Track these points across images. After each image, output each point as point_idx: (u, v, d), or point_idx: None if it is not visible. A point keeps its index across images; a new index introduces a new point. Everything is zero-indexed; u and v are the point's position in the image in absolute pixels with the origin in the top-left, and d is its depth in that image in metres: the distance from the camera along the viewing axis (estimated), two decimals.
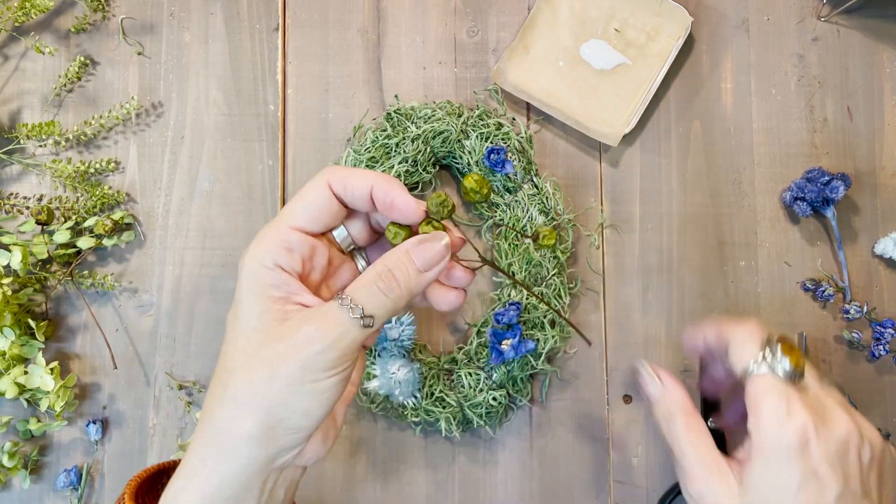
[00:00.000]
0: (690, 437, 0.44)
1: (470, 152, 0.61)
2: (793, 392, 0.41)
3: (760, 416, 0.41)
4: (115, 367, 0.63)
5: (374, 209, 0.39)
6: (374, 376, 0.59)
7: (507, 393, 0.61)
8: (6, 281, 0.59)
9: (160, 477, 0.47)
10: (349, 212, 0.40)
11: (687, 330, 0.50)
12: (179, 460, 0.42)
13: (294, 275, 0.38)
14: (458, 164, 0.63)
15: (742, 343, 0.44)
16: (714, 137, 0.65)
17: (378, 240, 0.43)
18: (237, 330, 0.37)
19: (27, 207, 0.64)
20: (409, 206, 0.38)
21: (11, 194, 0.65)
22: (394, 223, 0.39)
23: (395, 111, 0.63)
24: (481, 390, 0.60)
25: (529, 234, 0.43)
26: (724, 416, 0.50)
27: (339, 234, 0.41)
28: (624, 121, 0.64)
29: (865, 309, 0.62)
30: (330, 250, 0.40)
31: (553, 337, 0.60)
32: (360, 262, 0.42)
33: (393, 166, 0.61)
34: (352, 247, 0.42)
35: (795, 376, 0.42)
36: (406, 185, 0.62)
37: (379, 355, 0.59)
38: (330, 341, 0.36)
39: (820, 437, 0.40)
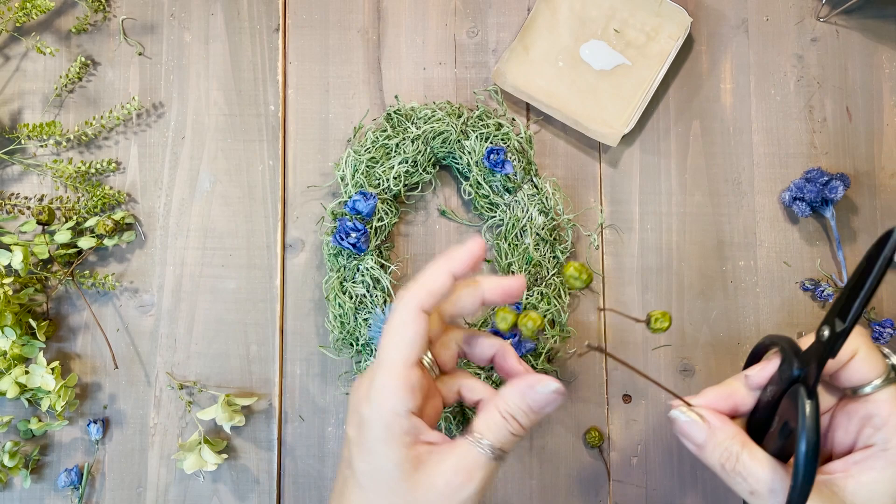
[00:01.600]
0: (765, 471, 0.40)
1: (470, 152, 0.62)
2: None
3: None
4: (116, 367, 0.64)
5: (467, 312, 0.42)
6: None
7: None
8: (7, 281, 0.59)
9: None
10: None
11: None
12: None
13: (418, 415, 0.39)
14: (458, 164, 0.63)
15: (872, 352, 0.41)
16: (713, 138, 0.65)
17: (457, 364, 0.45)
18: (377, 481, 0.38)
19: (28, 207, 0.64)
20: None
21: (12, 194, 0.65)
22: (502, 309, 0.43)
23: (395, 111, 0.63)
24: None
25: (642, 319, 0.43)
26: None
27: (426, 360, 0.43)
28: (623, 121, 0.64)
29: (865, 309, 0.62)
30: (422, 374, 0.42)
31: (553, 337, 0.60)
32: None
33: (393, 166, 0.61)
34: (436, 372, 0.44)
35: None
36: (406, 185, 0.62)
37: None
38: (477, 485, 0.38)
39: None
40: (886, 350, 0.42)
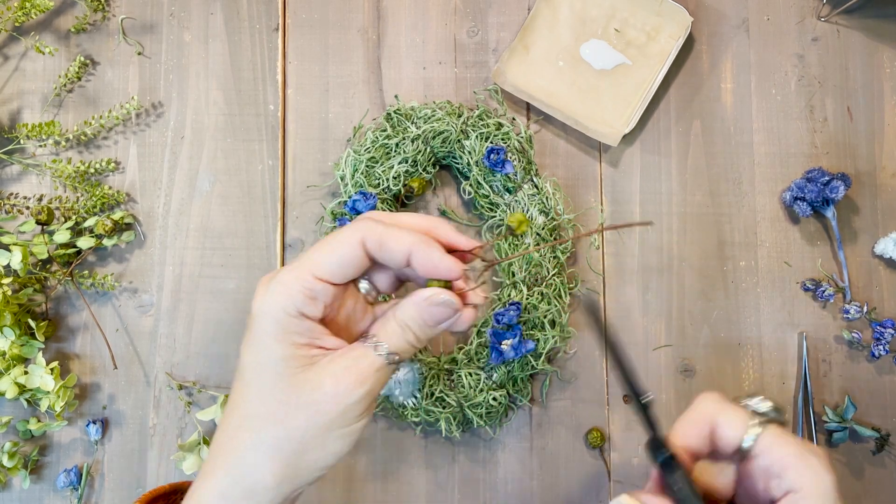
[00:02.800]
0: None
1: (470, 152, 0.61)
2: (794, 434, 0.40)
3: (803, 466, 0.37)
4: (115, 367, 0.63)
5: (406, 266, 0.39)
6: None
7: (508, 393, 0.61)
8: (6, 281, 0.59)
9: (173, 495, 0.47)
10: (375, 264, 0.40)
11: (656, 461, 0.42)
12: (185, 484, 0.43)
13: (316, 321, 0.38)
14: (457, 164, 0.63)
15: (728, 415, 0.40)
16: (714, 137, 0.65)
17: (400, 287, 0.43)
18: (260, 374, 0.38)
19: (27, 207, 0.64)
20: (451, 271, 0.38)
21: (11, 194, 0.65)
22: (433, 280, 0.39)
23: (395, 111, 0.63)
24: (481, 390, 0.60)
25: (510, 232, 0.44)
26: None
27: (363, 285, 0.41)
28: (624, 121, 0.64)
29: (865, 309, 0.62)
30: (350, 295, 0.41)
31: (553, 337, 0.60)
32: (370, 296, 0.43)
33: (393, 166, 0.61)
34: (373, 296, 0.42)
35: (783, 413, 0.40)
36: (406, 185, 0.62)
37: None
38: (368, 388, 0.37)
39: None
40: (744, 400, 0.41)
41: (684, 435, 0.41)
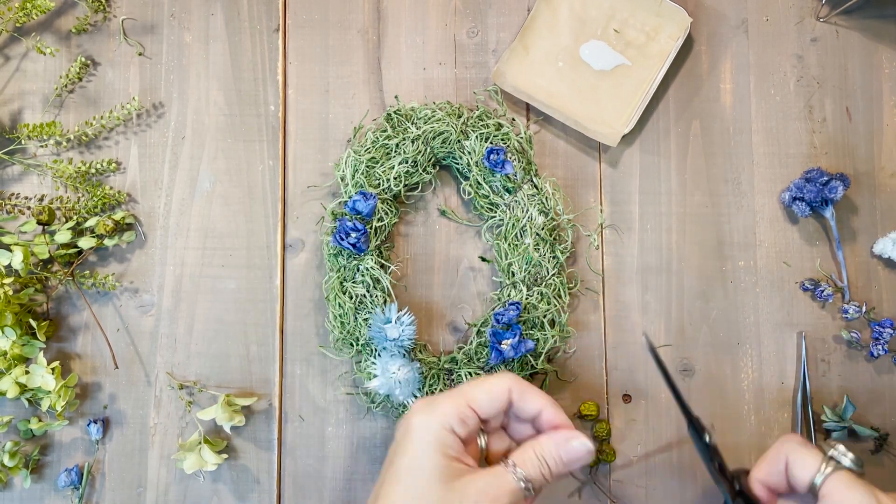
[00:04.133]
0: None
1: (470, 153, 0.62)
2: (868, 483, 0.42)
3: None
4: (116, 367, 0.64)
5: (531, 420, 0.48)
6: (375, 376, 0.59)
7: None
8: (7, 281, 0.59)
9: None
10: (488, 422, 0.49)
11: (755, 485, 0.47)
12: None
13: (461, 439, 0.45)
14: (457, 164, 0.63)
15: (801, 454, 0.44)
16: (713, 138, 0.65)
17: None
18: (418, 477, 0.43)
19: (28, 207, 0.65)
20: (581, 452, 0.46)
21: (13, 194, 0.65)
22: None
23: (395, 112, 0.63)
24: None
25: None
26: None
27: (481, 440, 0.49)
28: (623, 121, 0.64)
29: (864, 309, 0.62)
30: (473, 442, 0.48)
31: (553, 337, 0.60)
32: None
33: (393, 167, 0.61)
34: (482, 451, 0.49)
35: (861, 465, 0.43)
36: (406, 185, 0.62)
37: (379, 355, 0.59)
38: (505, 501, 0.43)
39: None
40: (828, 448, 0.44)
41: (761, 470, 0.46)
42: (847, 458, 0.42)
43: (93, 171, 0.64)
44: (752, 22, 0.66)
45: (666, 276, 0.64)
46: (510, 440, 0.50)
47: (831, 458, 0.43)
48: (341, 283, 0.61)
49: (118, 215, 0.63)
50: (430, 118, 0.62)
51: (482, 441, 0.48)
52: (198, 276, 0.65)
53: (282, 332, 0.64)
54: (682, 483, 0.62)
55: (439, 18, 0.67)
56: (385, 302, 0.60)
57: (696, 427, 0.45)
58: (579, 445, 0.46)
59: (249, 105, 0.66)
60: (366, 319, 0.60)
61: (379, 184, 0.61)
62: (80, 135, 0.65)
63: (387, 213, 0.61)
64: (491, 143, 0.61)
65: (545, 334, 0.60)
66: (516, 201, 0.62)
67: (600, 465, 0.63)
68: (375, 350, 0.60)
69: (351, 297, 0.60)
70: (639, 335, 0.64)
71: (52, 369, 0.61)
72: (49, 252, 0.62)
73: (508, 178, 0.61)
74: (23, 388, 0.60)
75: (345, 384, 0.64)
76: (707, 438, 0.44)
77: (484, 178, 0.62)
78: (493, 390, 0.46)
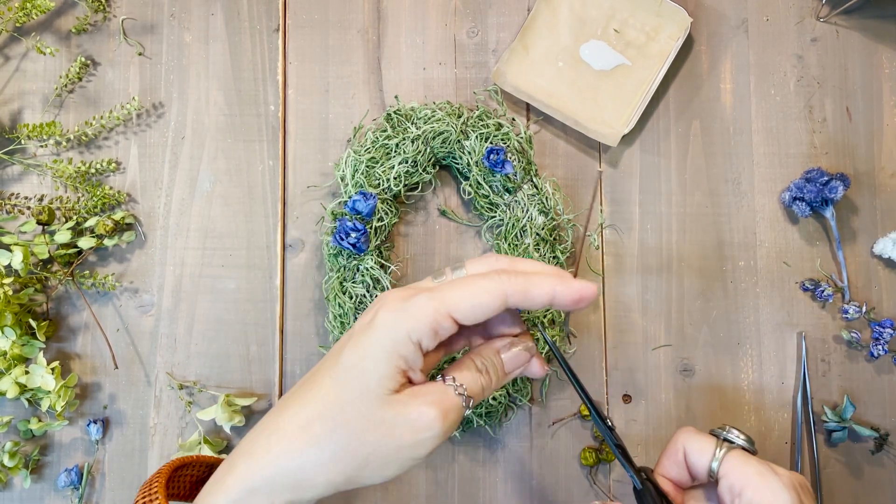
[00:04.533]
0: None
1: (470, 153, 0.62)
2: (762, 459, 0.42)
3: (758, 485, 0.40)
4: (116, 367, 0.64)
5: (544, 306, 0.41)
6: None
7: (507, 393, 0.62)
8: (7, 281, 0.59)
9: (184, 468, 0.47)
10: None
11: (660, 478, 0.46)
12: (212, 458, 0.46)
13: (423, 354, 0.39)
14: (457, 164, 0.63)
15: (695, 441, 0.44)
16: (713, 138, 0.65)
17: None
18: (356, 381, 0.38)
19: (28, 207, 0.64)
20: (591, 290, 0.40)
21: (12, 194, 0.65)
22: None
23: (395, 112, 0.63)
24: None
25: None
26: None
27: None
28: (623, 121, 0.64)
29: (864, 309, 0.62)
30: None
31: (553, 337, 0.60)
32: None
33: (393, 166, 0.61)
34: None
35: (754, 443, 0.43)
36: (406, 185, 0.62)
37: None
38: (445, 427, 0.38)
39: (804, 493, 0.42)
40: (720, 429, 0.44)
41: (662, 465, 0.45)
42: (740, 439, 0.43)
43: (92, 171, 0.64)
44: (752, 22, 0.66)
45: (666, 276, 0.64)
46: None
47: (725, 440, 0.43)
48: (341, 283, 0.61)
49: (118, 215, 0.63)
50: (430, 118, 0.62)
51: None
52: (198, 277, 0.65)
53: (282, 332, 0.64)
54: None
55: (439, 18, 0.67)
56: None
57: (598, 412, 0.44)
58: (519, 350, 0.42)
59: (249, 105, 0.66)
60: None
61: (379, 184, 0.61)
62: (80, 135, 0.65)
63: (387, 213, 0.61)
64: (491, 142, 0.61)
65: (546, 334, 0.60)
66: (516, 201, 0.62)
67: (600, 465, 0.63)
68: None
69: (351, 298, 0.60)
70: (639, 335, 0.64)
71: (52, 369, 0.61)
72: (49, 252, 0.62)
73: (508, 178, 0.61)
74: (23, 389, 0.60)
75: None
76: (609, 423, 0.44)
77: (484, 178, 0.62)
78: (482, 298, 0.38)
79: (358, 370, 0.38)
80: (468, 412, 0.42)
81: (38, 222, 0.62)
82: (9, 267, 0.60)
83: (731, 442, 0.43)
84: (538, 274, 0.40)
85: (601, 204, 0.65)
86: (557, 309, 0.44)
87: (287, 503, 0.38)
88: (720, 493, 0.42)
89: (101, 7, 0.67)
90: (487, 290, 0.38)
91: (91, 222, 0.63)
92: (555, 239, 0.62)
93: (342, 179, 0.62)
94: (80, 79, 0.66)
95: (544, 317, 0.60)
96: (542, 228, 0.61)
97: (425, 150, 0.62)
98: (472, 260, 0.42)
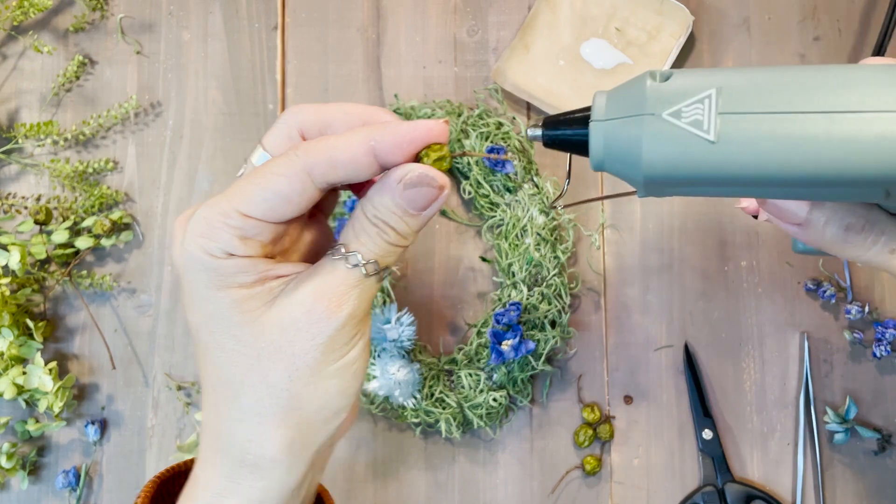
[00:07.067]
0: None
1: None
2: None
3: None
4: (114, 368, 0.63)
5: (373, 173, 0.32)
6: (374, 377, 0.59)
7: (508, 394, 0.61)
8: (4, 281, 0.59)
9: (178, 478, 0.45)
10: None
11: None
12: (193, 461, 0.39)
13: (256, 256, 0.31)
14: (458, 163, 0.63)
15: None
16: None
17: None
18: (213, 331, 0.31)
19: (25, 207, 0.64)
20: (431, 130, 0.32)
21: (9, 194, 0.65)
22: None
23: (394, 110, 0.63)
24: (481, 391, 0.60)
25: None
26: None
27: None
28: None
29: (867, 309, 0.62)
30: (315, 224, 0.35)
31: (553, 338, 0.60)
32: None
33: None
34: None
35: None
36: None
37: (379, 356, 0.59)
38: (350, 309, 0.31)
39: None
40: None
41: None
42: None
43: (90, 170, 0.64)
44: (754, 20, 0.66)
45: (668, 276, 0.64)
46: None
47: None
48: None
49: (116, 215, 0.63)
50: (429, 117, 0.62)
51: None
52: None
53: None
54: (682, 484, 0.62)
55: (439, 17, 0.66)
56: (384, 302, 0.60)
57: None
58: (419, 179, 0.31)
59: (248, 104, 0.66)
60: None
61: None
62: (78, 134, 0.64)
63: None
64: (491, 142, 0.61)
65: (546, 335, 0.60)
66: (517, 201, 0.61)
67: (600, 466, 0.62)
68: (375, 351, 0.60)
69: None
70: (640, 335, 0.63)
71: (50, 370, 0.60)
72: (46, 252, 0.62)
73: (509, 177, 0.61)
74: (20, 389, 0.60)
75: None
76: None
77: (484, 178, 0.62)
78: (274, 185, 0.30)
79: (206, 323, 0.31)
80: (386, 281, 0.33)
81: (36, 222, 0.61)
82: (6, 267, 0.60)
83: None
84: (346, 132, 0.31)
85: (601, 204, 0.65)
86: (390, 166, 0.32)
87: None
88: None
89: (99, 5, 0.66)
90: (281, 173, 0.30)
91: (89, 222, 0.62)
92: (555, 239, 0.62)
93: None
94: (77, 77, 0.66)
95: (545, 317, 0.60)
96: (543, 228, 0.61)
97: None
98: (267, 135, 0.35)
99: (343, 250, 0.31)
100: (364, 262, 0.31)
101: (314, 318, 0.30)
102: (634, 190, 0.34)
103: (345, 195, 0.61)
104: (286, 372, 0.31)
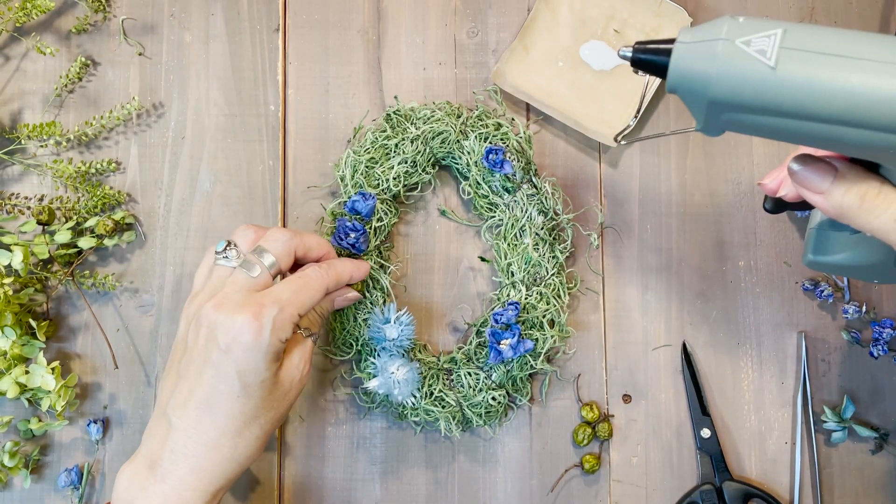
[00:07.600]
0: None
1: (469, 152, 0.62)
2: None
3: None
4: (116, 367, 0.64)
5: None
6: (374, 376, 0.59)
7: (507, 392, 0.62)
8: (7, 281, 0.59)
9: None
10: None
11: None
12: None
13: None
14: (457, 164, 0.63)
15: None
16: (713, 138, 0.65)
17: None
18: (261, 386, 0.50)
19: (28, 207, 0.65)
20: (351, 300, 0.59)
21: (12, 194, 0.65)
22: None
23: (394, 112, 0.63)
24: (481, 390, 0.60)
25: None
26: None
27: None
28: (623, 121, 0.64)
29: (864, 309, 0.62)
30: None
31: (552, 337, 0.60)
32: None
33: (392, 167, 0.61)
34: None
35: None
36: (406, 185, 0.62)
37: (378, 355, 0.59)
38: (310, 365, 0.55)
39: None
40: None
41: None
42: None
43: (93, 171, 0.64)
44: None
45: (666, 276, 0.64)
46: None
47: None
48: None
49: (118, 215, 0.63)
50: (429, 118, 0.62)
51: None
52: None
53: None
54: (681, 483, 0.62)
55: (439, 18, 0.67)
56: (384, 302, 0.60)
57: None
58: (349, 299, 0.58)
59: (249, 105, 0.66)
60: (365, 319, 0.60)
61: (378, 184, 0.61)
62: (80, 135, 0.65)
63: (386, 214, 0.61)
64: (490, 142, 0.61)
65: (544, 334, 0.60)
66: (516, 201, 0.62)
67: (599, 463, 0.63)
68: (375, 350, 0.60)
69: None
70: (639, 335, 0.64)
71: (52, 369, 0.61)
72: (49, 252, 0.62)
73: (508, 177, 0.61)
74: (23, 388, 0.60)
75: (344, 384, 0.64)
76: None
77: (483, 178, 0.62)
78: (316, 297, 0.52)
79: (260, 381, 0.50)
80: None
81: (39, 222, 0.62)
82: (9, 267, 0.60)
83: None
84: (340, 262, 0.56)
85: (601, 204, 0.65)
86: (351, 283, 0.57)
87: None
88: None
89: (101, 7, 0.67)
90: (320, 290, 0.52)
91: (91, 222, 0.63)
92: (554, 239, 0.62)
93: (342, 179, 0.62)
94: (80, 79, 0.66)
95: (543, 317, 0.60)
96: (542, 228, 0.61)
97: (425, 150, 0.62)
98: (267, 239, 0.52)
99: (308, 330, 0.53)
100: (313, 336, 0.54)
101: (303, 374, 0.53)
102: (695, 127, 0.39)
103: (345, 196, 0.62)
104: (286, 407, 0.53)
